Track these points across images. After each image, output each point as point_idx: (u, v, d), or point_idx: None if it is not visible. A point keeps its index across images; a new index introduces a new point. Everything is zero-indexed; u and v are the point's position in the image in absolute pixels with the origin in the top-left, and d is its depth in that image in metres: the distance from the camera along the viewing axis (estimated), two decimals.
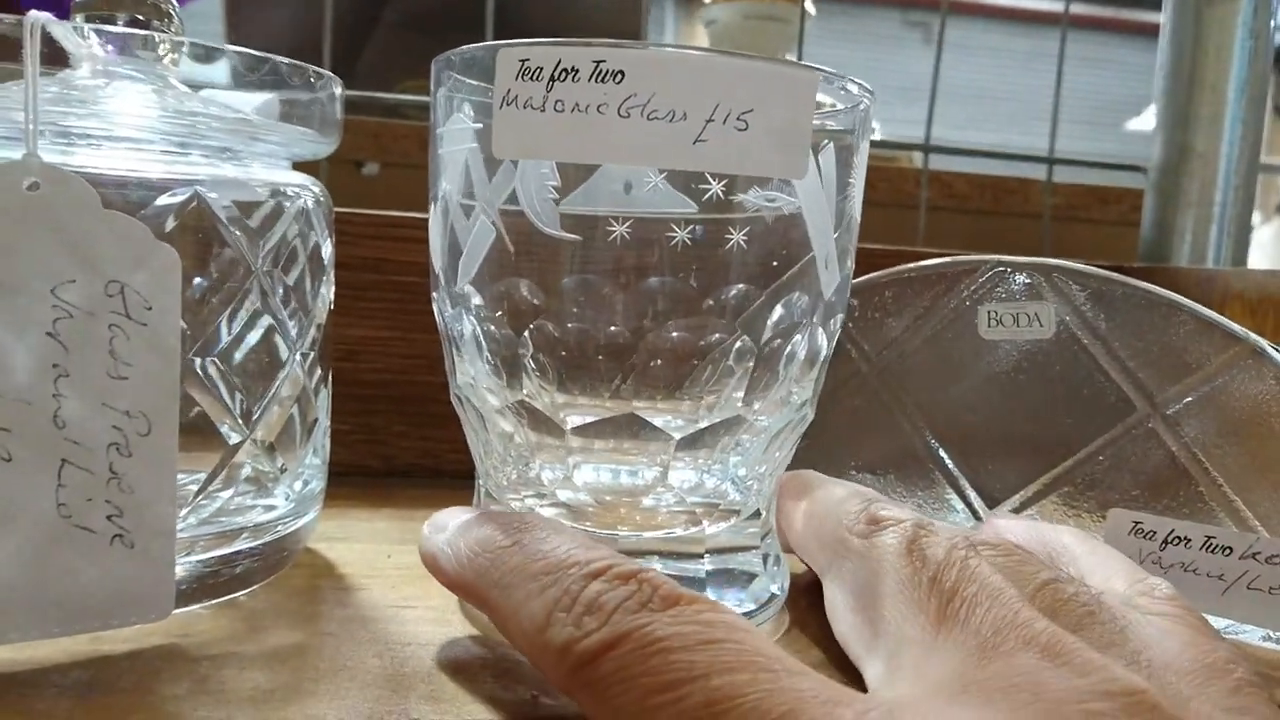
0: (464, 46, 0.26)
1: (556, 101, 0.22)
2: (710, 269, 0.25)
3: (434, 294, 0.28)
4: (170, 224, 0.25)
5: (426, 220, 0.42)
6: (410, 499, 0.39)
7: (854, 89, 0.26)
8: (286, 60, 0.26)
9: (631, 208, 0.24)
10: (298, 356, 0.28)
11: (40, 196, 0.22)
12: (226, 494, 0.27)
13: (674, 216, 0.24)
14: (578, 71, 0.22)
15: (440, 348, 0.41)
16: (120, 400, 0.23)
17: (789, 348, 0.26)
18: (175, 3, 0.27)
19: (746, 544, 0.28)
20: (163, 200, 0.24)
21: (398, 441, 0.42)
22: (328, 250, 0.29)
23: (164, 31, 0.26)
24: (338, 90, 0.28)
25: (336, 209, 0.43)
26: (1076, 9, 0.57)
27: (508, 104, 0.23)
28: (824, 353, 0.27)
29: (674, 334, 0.25)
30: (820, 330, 0.27)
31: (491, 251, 0.25)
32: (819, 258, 0.25)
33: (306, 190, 0.28)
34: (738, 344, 0.25)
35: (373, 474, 0.42)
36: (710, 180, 0.24)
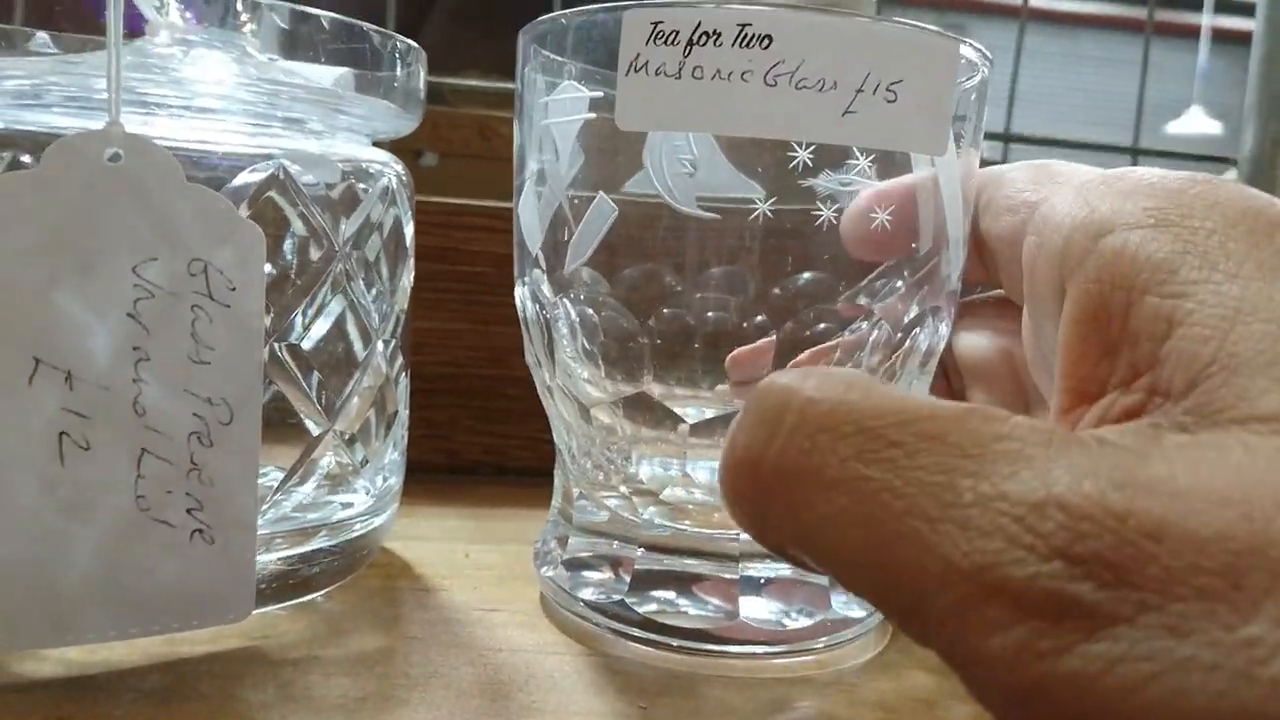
0: (569, 11, 0.24)
1: (695, 68, 0.21)
2: (847, 254, 0.23)
3: (523, 280, 0.26)
4: (253, 200, 0.23)
5: (496, 209, 0.41)
6: (478, 497, 0.37)
7: (973, 55, 0.24)
8: (374, 28, 0.25)
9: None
10: (380, 344, 0.26)
11: (122, 168, 0.21)
12: (305, 489, 0.26)
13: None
14: (720, 36, 0.20)
15: (506, 341, 0.39)
16: (202, 386, 0.22)
17: (919, 339, 0.24)
18: None
19: None
20: (245, 175, 0.23)
21: (463, 437, 0.41)
22: (410, 232, 0.28)
23: None
24: (422, 65, 0.27)
25: None
26: (1112, 10, 0.54)
27: (636, 70, 0.21)
28: (943, 344, 0.25)
29: (819, 325, 0.23)
30: (946, 320, 0.25)
31: (611, 232, 0.23)
32: (953, 241, 0.23)
33: (389, 168, 0.27)
34: (876, 334, 0.24)
35: (437, 470, 0.41)
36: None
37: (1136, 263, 0.16)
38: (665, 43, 0.21)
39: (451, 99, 0.65)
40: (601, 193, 0.23)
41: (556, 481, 0.28)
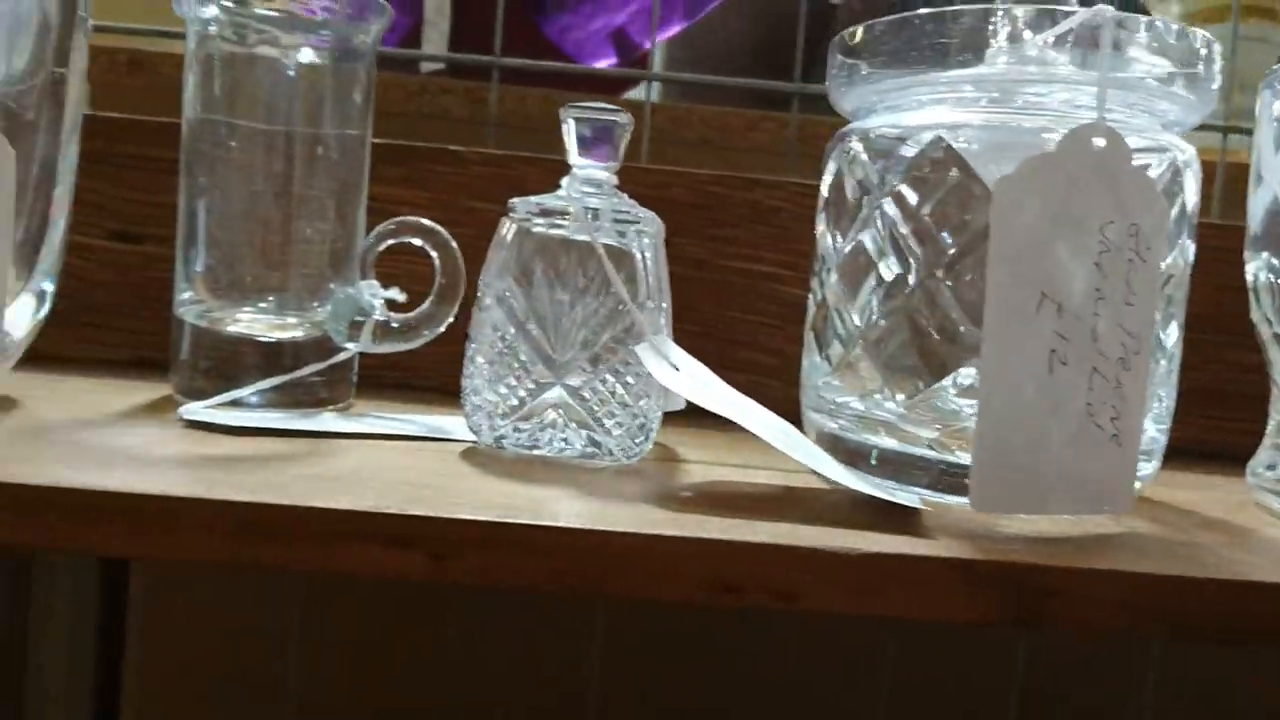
0: None
1: None
2: None
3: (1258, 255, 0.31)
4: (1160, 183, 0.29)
5: None
6: None
7: None
8: (1189, 28, 0.30)
9: None
10: None
11: (1102, 152, 0.27)
12: None
13: None
14: None
15: None
16: (1127, 322, 0.28)
17: None
18: None
19: None
20: (1155, 165, 0.29)
21: None
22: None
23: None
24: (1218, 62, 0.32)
25: None
26: None
27: None
28: None
29: None
30: None
31: None
32: None
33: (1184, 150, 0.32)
34: None
35: None
36: None
37: None
38: None
39: None
40: None
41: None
